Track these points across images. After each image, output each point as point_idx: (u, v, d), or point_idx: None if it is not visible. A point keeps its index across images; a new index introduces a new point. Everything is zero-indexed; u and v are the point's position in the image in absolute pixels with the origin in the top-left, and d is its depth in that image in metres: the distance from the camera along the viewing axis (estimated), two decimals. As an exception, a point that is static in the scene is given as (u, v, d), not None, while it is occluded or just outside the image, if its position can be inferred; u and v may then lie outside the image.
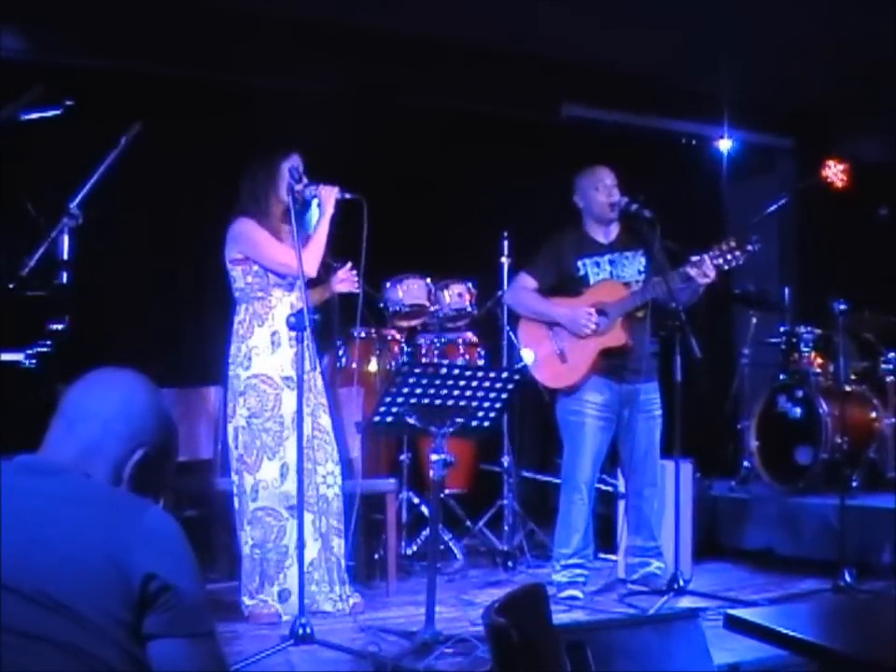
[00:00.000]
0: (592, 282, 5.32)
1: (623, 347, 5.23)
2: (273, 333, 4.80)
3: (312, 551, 4.70)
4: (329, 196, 4.85)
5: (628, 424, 5.31)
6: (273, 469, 4.74)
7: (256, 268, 4.83)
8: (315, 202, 4.92)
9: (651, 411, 5.35)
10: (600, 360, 5.24)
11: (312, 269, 4.83)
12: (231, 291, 4.93)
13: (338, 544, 4.86)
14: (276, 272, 4.82)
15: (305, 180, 4.87)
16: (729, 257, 5.14)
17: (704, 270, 5.11)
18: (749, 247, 5.15)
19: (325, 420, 4.91)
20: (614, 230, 5.43)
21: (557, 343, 5.30)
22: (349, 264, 5.03)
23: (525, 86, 7.55)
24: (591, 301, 5.26)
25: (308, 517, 4.67)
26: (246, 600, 4.73)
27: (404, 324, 6.54)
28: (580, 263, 5.33)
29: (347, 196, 4.86)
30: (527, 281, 5.42)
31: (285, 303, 4.83)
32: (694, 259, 5.14)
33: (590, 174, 5.40)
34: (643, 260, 5.36)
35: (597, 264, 5.34)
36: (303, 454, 4.40)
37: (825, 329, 6.71)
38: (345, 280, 5.08)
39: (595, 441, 5.28)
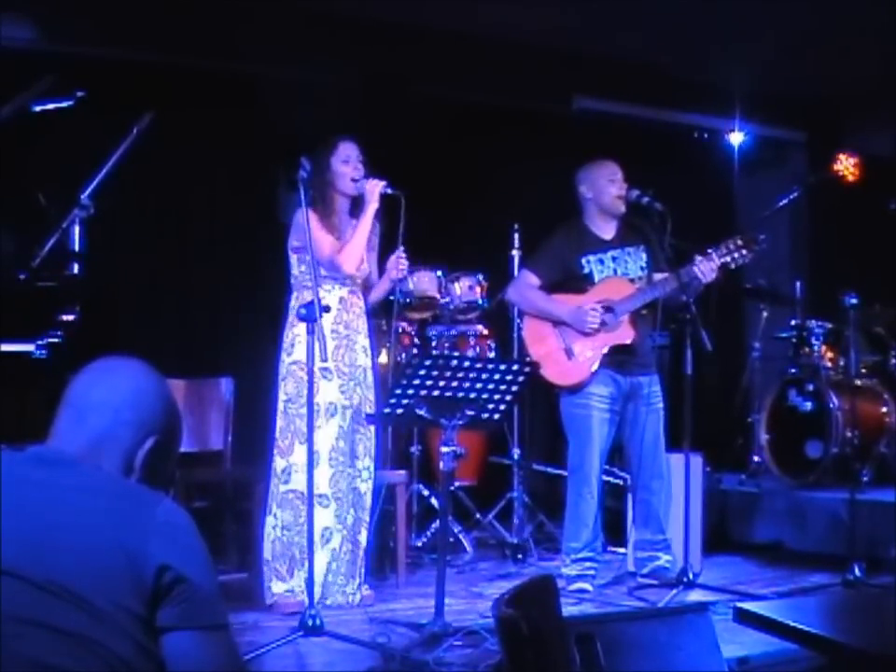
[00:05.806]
0: (597, 279, 5.30)
1: (631, 344, 5.23)
2: None
3: (335, 542, 4.71)
4: (373, 190, 4.80)
5: (634, 417, 5.30)
6: (304, 453, 4.66)
7: (309, 258, 4.78)
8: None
9: (654, 403, 5.33)
10: (607, 357, 5.24)
11: (351, 266, 4.79)
12: (288, 277, 4.91)
13: (364, 537, 4.86)
14: (324, 266, 4.77)
15: (362, 170, 4.84)
16: (736, 255, 5.14)
17: (707, 268, 5.10)
18: (756, 246, 5.14)
19: None
20: (615, 225, 5.41)
21: (563, 340, 5.28)
22: (400, 249, 4.89)
23: (536, 77, 7.53)
24: (597, 299, 5.23)
25: (332, 508, 4.70)
26: (274, 586, 4.69)
27: (415, 316, 6.53)
28: (584, 261, 5.30)
29: (390, 191, 4.81)
30: (530, 278, 5.39)
31: (334, 295, 4.78)
32: (700, 257, 5.13)
33: (601, 166, 5.38)
34: (644, 256, 5.35)
35: (601, 261, 5.31)
36: (332, 445, 4.62)
37: (836, 323, 6.69)
38: (393, 267, 4.95)
39: (602, 433, 5.27)
